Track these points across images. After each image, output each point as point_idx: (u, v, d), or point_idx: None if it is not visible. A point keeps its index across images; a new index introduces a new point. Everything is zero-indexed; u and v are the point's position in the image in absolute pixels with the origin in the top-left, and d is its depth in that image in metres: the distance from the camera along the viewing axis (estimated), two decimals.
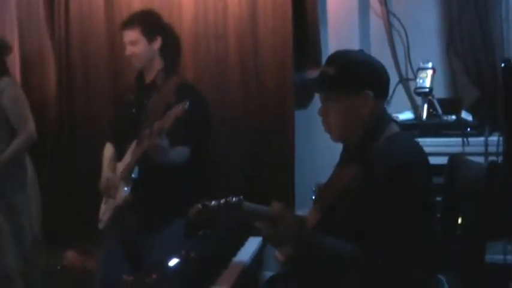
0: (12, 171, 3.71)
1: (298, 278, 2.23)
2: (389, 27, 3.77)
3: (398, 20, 3.74)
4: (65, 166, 4.17)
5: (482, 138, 3.12)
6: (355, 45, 3.60)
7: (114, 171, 3.40)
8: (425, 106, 3.33)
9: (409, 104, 3.67)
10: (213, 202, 2.06)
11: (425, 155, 2.18)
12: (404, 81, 3.71)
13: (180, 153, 3.19)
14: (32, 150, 3.87)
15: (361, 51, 2.44)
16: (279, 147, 3.73)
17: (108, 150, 3.53)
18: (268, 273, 2.71)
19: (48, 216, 3.98)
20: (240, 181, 3.66)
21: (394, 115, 3.17)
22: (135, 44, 3.38)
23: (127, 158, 3.32)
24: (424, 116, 3.32)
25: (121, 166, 3.35)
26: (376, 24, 3.83)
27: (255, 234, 2.97)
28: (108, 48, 4.06)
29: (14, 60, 4.17)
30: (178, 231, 3.28)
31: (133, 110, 3.43)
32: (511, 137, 2.46)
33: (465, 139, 3.12)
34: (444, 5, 3.70)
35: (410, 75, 3.66)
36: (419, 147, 2.19)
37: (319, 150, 3.81)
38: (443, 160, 2.63)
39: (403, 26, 3.73)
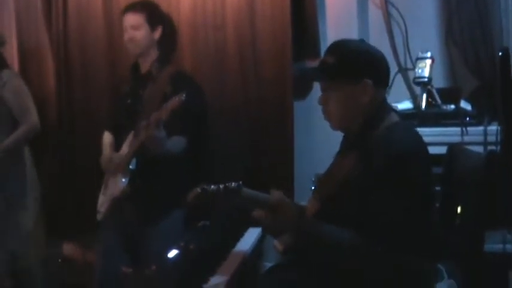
0: (10, 163, 3.71)
1: (298, 268, 2.23)
2: (388, 17, 3.76)
3: (397, 9, 3.73)
4: (64, 159, 4.16)
5: (481, 128, 3.11)
6: (353, 35, 3.59)
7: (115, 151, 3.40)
8: (424, 96, 3.32)
9: (408, 93, 3.66)
10: (212, 186, 2.06)
11: (425, 145, 2.19)
12: (403, 71, 3.70)
13: (176, 143, 3.19)
14: (32, 143, 3.87)
15: (361, 40, 2.44)
16: (278, 137, 3.73)
17: (107, 136, 3.53)
18: (268, 264, 2.71)
19: (48, 209, 3.99)
20: (239, 171, 3.66)
21: (393, 105, 3.16)
22: (138, 28, 3.38)
23: (124, 149, 3.33)
24: (423, 105, 3.31)
25: (119, 157, 3.35)
26: (375, 14, 3.81)
27: (255, 225, 2.98)
28: (107, 40, 4.04)
29: (12, 54, 4.17)
30: (177, 223, 3.29)
31: (129, 101, 3.43)
32: (509, 126, 2.46)
33: (464, 129, 3.12)
34: None
35: (409, 65, 3.65)
36: (419, 137, 2.20)
37: (318, 141, 3.81)
38: (442, 150, 2.63)
39: (401, 16, 3.72)
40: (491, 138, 3.01)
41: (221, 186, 2.05)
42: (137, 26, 3.37)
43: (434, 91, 3.33)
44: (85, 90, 4.12)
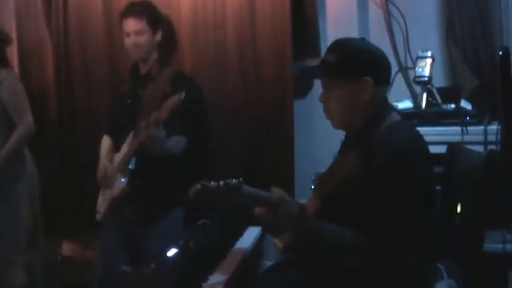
0: (10, 162, 3.70)
1: (298, 267, 2.23)
2: (388, 16, 3.75)
3: (397, 8, 3.73)
4: (64, 157, 4.16)
5: (481, 127, 3.11)
6: (354, 34, 3.58)
7: (112, 162, 3.40)
8: (425, 95, 3.32)
9: (408, 92, 3.66)
10: (213, 183, 2.06)
11: (426, 144, 2.20)
12: (403, 70, 3.70)
13: (176, 143, 3.19)
14: (31, 141, 3.86)
15: (362, 39, 2.45)
16: (279, 136, 3.72)
17: (106, 142, 3.53)
18: (268, 263, 2.71)
19: (47, 207, 3.98)
20: (239, 171, 3.66)
21: (393, 104, 3.16)
22: (141, 34, 3.37)
23: (124, 149, 3.33)
24: (423, 104, 3.31)
25: (118, 157, 3.35)
26: (375, 13, 3.81)
27: (254, 224, 2.98)
28: (107, 37, 4.03)
29: (12, 51, 4.16)
30: (177, 222, 3.29)
31: (129, 101, 3.43)
32: (509, 125, 2.45)
33: (464, 128, 3.11)
34: None
35: (410, 64, 3.64)
36: (420, 136, 2.21)
37: (318, 140, 3.81)
38: (442, 149, 2.63)
39: (402, 15, 3.72)
40: (491, 138, 3.01)
41: (221, 182, 2.05)
42: (140, 31, 3.37)
43: (434, 90, 3.33)
44: (85, 88, 4.11)
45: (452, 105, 3.26)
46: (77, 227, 3.98)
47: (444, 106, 3.28)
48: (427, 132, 2.95)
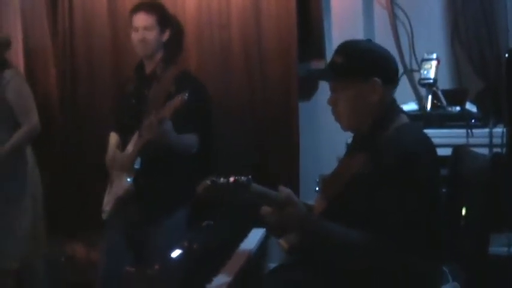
0: (11, 162, 3.71)
1: (303, 268, 2.23)
2: (393, 17, 3.75)
3: (403, 10, 3.73)
4: (69, 157, 4.16)
5: (486, 130, 3.11)
6: (359, 36, 3.58)
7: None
8: (430, 97, 3.32)
9: (413, 95, 3.66)
10: (222, 179, 2.05)
11: (434, 147, 2.20)
12: (408, 72, 3.70)
13: (188, 138, 3.21)
14: (36, 141, 3.86)
15: (368, 40, 2.45)
16: (284, 136, 3.73)
17: (113, 137, 3.54)
18: (272, 265, 2.70)
19: (51, 207, 3.98)
20: (244, 170, 3.64)
21: None
22: (149, 29, 3.38)
23: (129, 148, 3.33)
24: (429, 107, 3.31)
25: (123, 156, 3.35)
26: (380, 14, 3.81)
27: (259, 226, 2.97)
28: (112, 38, 4.03)
29: (18, 53, 4.16)
30: (181, 222, 3.29)
31: (134, 101, 3.43)
32: None
33: (469, 130, 3.11)
34: None
35: (415, 66, 3.64)
36: (428, 139, 2.21)
37: (322, 143, 3.81)
38: (447, 151, 2.62)
39: (407, 17, 3.72)
40: (496, 140, 3.01)
41: (231, 179, 2.04)
42: (149, 26, 3.37)
43: (439, 92, 3.33)
44: (90, 88, 4.11)
45: (458, 108, 3.26)
46: (81, 227, 3.98)
47: (449, 108, 3.27)
48: (432, 134, 2.92)
